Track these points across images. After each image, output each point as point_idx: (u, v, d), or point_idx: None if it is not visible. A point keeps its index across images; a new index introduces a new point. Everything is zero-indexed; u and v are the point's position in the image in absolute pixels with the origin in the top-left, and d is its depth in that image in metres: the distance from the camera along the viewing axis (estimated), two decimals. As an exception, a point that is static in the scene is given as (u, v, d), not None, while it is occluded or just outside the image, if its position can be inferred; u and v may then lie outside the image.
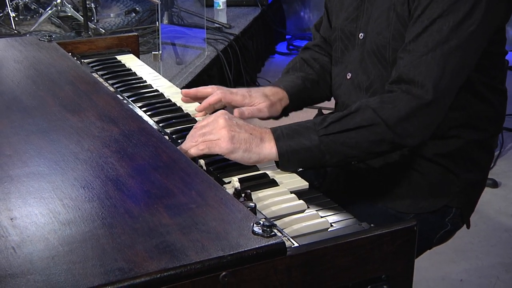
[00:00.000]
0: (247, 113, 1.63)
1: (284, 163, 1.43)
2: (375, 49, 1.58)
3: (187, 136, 1.45)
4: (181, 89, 1.84)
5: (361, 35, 1.63)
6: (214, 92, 1.66)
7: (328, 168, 1.73)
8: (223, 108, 1.62)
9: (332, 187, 1.67)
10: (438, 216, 1.65)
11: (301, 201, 1.28)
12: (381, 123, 1.43)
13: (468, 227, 1.75)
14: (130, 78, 1.89)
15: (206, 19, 4.45)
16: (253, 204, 1.19)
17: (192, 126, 1.59)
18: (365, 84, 1.62)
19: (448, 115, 1.51)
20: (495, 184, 3.43)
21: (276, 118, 1.75)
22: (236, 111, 1.63)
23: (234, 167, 1.41)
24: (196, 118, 1.65)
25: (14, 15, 4.35)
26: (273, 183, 1.35)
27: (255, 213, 1.18)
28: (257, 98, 1.67)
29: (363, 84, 1.62)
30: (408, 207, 1.62)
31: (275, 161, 1.44)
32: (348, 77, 1.67)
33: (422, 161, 1.61)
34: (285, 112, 1.75)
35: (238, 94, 1.66)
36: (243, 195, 1.25)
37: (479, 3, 1.43)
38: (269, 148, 1.42)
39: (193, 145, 1.42)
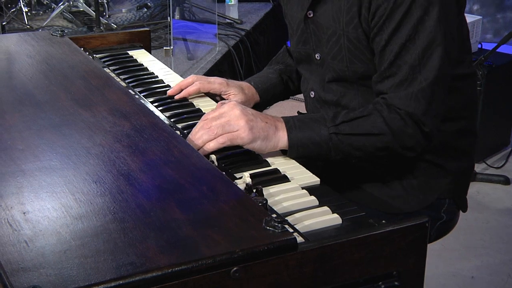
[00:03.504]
0: None
1: (292, 153, 1.47)
2: (333, 73, 1.61)
3: (198, 128, 1.45)
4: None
5: (317, 56, 1.65)
6: (193, 83, 1.74)
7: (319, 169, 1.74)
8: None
9: (331, 179, 1.68)
10: (432, 210, 1.66)
11: (313, 197, 1.28)
12: (390, 133, 1.48)
13: (464, 210, 1.75)
14: (141, 73, 1.89)
15: (217, 15, 4.45)
16: (264, 200, 1.19)
17: (204, 121, 1.59)
18: (333, 101, 1.65)
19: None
20: (507, 181, 3.41)
21: None
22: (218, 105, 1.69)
23: (245, 162, 1.41)
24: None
25: (26, 10, 4.37)
26: (284, 179, 1.35)
27: (267, 209, 1.18)
28: (233, 88, 1.75)
29: (329, 101, 1.66)
30: (400, 207, 1.63)
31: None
32: (312, 96, 1.71)
33: (408, 159, 1.61)
34: (258, 108, 1.81)
35: (215, 83, 1.75)
36: (254, 190, 1.25)
37: (433, 17, 1.44)
38: (283, 137, 1.46)
39: (211, 137, 1.42)
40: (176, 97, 1.73)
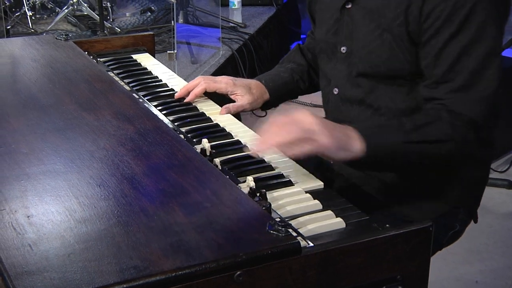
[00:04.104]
0: (232, 109, 1.71)
1: (366, 163, 1.39)
2: (367, 67, 1.57)
3: (266, 131, 1.31)
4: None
5: (343, 49, 1.62)
6: (199, 83, 1.73)
7: (335, 174, 1.73)
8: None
9: (338, 184, 1.66)
10: (447, 218, 1.64)
11: (316, 201, 1.28)
12: (455, 140, 1.44)
13: (475, 221, 1.74)
14: (145, 77, 1.89)
15: (221, 19, 4.46)
16: (268, 204, 1.19)
17: (207, 125, 1.60)
18: (358, 98, 1.61)
19: None
20: (510, 185, 3.41)
21: (263, 109, 1.83)
22: (223, 109, 1.71)
23: (249, 166, 1.41)
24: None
25: (31, 14, 4.38)
26: (288, 183, 1.35)
27: (270, 213, 1.18)
28: (240, 88, 1.74)
29: (354, 98, 1.62)
30: (413, 215, 1.61)
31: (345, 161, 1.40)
32: (335, 93, 1.66)
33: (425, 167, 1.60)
34: (267, 106, 1.81)
35: (222, 82, 1.74)
36: (258, 194, 1.25)
37: (492, 24, 1.43)
38: (357, 146, 1.37)
39: (286, 141, 1.29)
40: (185, 100, 1.73)
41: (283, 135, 1.30)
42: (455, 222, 1.66)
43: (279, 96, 1.81)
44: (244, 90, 1.74)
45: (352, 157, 1.37)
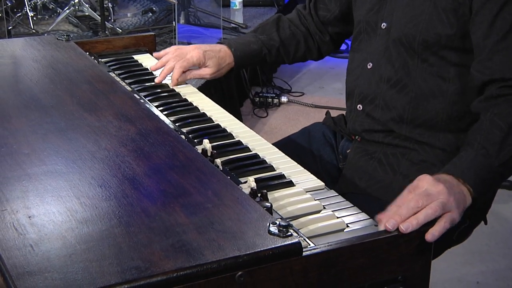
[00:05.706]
0: (189, 76, 1.86)
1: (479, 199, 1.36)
2: (402, 38, 1.59)
3: (410, 201, 1.22)
4: (197, 88, 1.87)
5: (383, 25, 1.64)
6: (174, 65, 1.84)
7: (342, 169, 1.73)
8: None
9: (345, 189, 1.66)
10: None
11: (317, 202, 1.28)
12: None
13: (485, 223, 1.73)
14: (146, 77, 1.90)
15: (222, 19, 4.46)
16: (269, 204, 1.19)
17: (208, 125, 1.60)
18: (388, 74, 1.63)
19: (473, 117, 1.51)
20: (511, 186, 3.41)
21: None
22: (179, 74, 1.83)
23: (250, 167, 1.41)
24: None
25: (32, 14, 4.38)
26: (289, 184, 1.35)
27: (271, 213, 1.18)
28: (210, 60, 1.85)
29: (385, 74, 1.63)
30: None
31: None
32: (369, 67, 1.68)
33: (444, 157, 1.59)
34: (230, 71, 1.92)
35: (193, 57, 1.85)
36: (259, 195, 1.25)
37: None
38: (470, 200, 1.34)
39: (429, 219, 1.21)
40: (170, 85, 1.84)
41: (427, 213, 1.20)
42: (466, 217, 1.63)
43: (243, 64, 1.92)
44: (213, 62, 1.85)
45: (468, 205, 1.33)
